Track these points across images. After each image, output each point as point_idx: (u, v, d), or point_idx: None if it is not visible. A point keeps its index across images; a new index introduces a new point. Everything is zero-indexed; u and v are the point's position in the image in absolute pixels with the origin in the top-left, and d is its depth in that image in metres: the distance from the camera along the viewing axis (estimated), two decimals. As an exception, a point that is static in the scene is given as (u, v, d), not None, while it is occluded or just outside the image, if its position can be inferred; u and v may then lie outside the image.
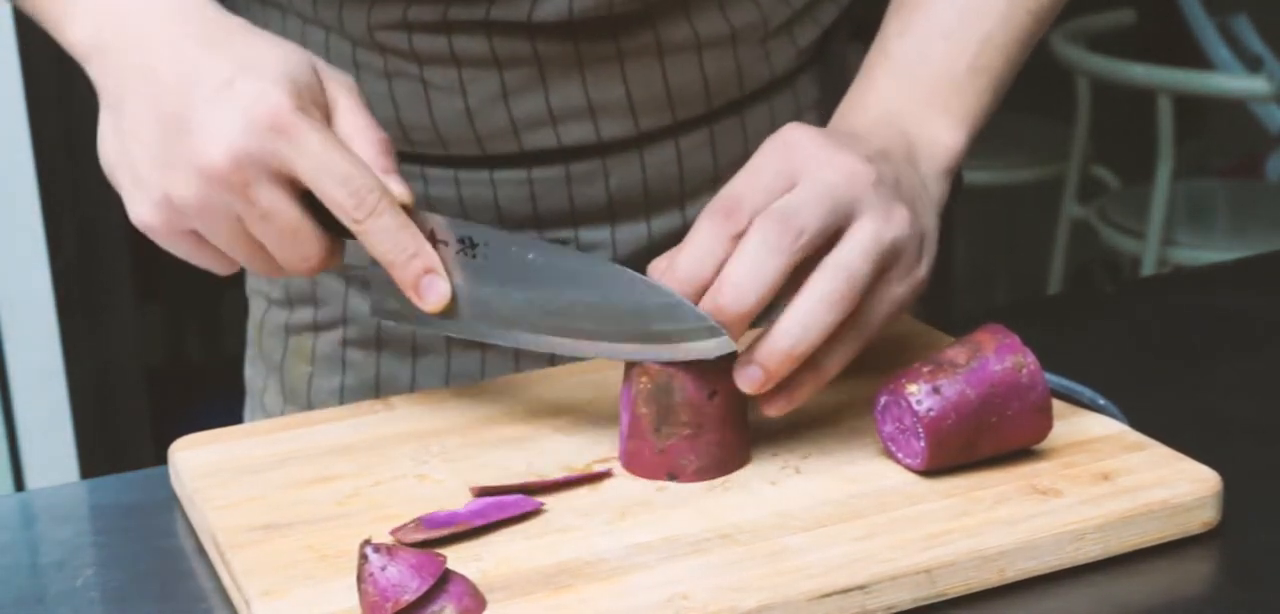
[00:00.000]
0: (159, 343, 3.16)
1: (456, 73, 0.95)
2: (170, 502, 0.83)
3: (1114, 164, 3.24)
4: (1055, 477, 0.78)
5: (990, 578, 0.72)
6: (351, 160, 0.77)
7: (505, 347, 0.81)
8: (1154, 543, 0.75)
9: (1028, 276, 3.45)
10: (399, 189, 0.79)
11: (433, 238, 0.80)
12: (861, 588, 0.70)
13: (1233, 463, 0.79)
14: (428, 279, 0.79)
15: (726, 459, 0.79)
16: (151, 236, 0.79)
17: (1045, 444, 0.80)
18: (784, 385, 0.78)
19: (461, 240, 0.80)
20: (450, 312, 0.80)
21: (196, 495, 0.79)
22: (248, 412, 1.11)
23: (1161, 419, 0.84)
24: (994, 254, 3.55)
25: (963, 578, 0.72)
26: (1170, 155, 2.85)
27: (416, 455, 0.82)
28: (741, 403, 0.79)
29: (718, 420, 0.79)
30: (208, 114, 0.75)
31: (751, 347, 0.77)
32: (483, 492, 0.77)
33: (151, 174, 0.77)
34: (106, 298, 2.16)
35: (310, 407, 1.04)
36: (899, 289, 0.80)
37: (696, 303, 0.77)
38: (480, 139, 0.97)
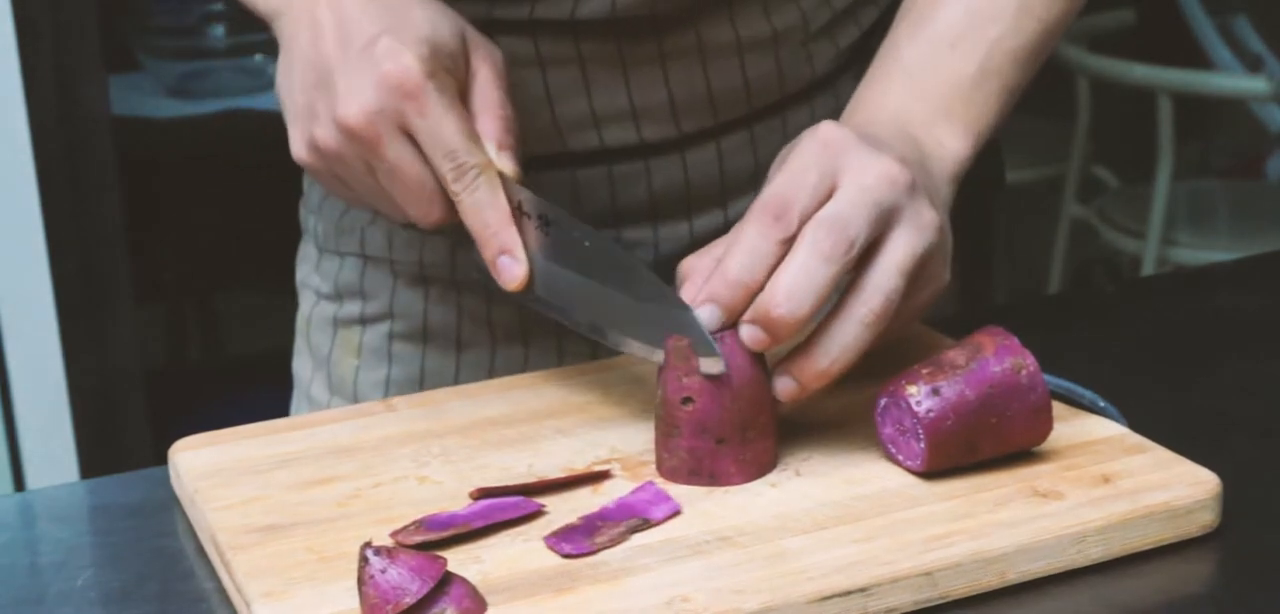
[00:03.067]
0: (159, 344, 3.16)
1: None
2: (170, 502, 0.83)
3: (1114, 164, 3.24)
4: (1056, 479, 0.78)
5: (991, 580, 0.72)
6: (461, 133, 0.82)
7: (558, 321, 0.85)
8: (1154, 545, 0.75)
9: (1028, 277, 3.45)
10: (509, 164, 0.84)
11: (519, 209, 0.84)
12: (862, 590, 0.70)
13: (1233, 463, 0.79)
14: (504, 259, 0.84)
15: (698, 470, 0.79)
16: (304, 169, 0.87)
17: (1046, 446, 0.80)
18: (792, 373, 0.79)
19: (540, 216, 0.84)
20: (524, 287, 0.85)
21: (197, 496, 0.79)
22: (294, 404, 1.13)
23: (1161, 420, 0.84)
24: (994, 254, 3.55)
25: (963, 580, 0.72)
26: (1170, 155, 2.85)
27: (417, 457, 0.82)
28: (725, 422, 0.78)
29: (689, 429, 0.79)
30: (349, 72, 0.82)
31: (787, 359, 0.78)
32: (483, 493, 0.77)
33: (303, 117, 0.84)
34: (106, 299, 2.16)
35: (356, 399, 1.06)
36: (923, 295, 0.81)
37: (745, 305, 0.77)
38: (525, 140, 0.97)
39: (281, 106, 0.87)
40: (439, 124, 0.82)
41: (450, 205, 0.84)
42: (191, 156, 2.85)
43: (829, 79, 1.04)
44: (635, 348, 0.81)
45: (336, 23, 0.83)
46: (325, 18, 0.83)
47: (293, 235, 1.14)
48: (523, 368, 1.02)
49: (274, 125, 0.90)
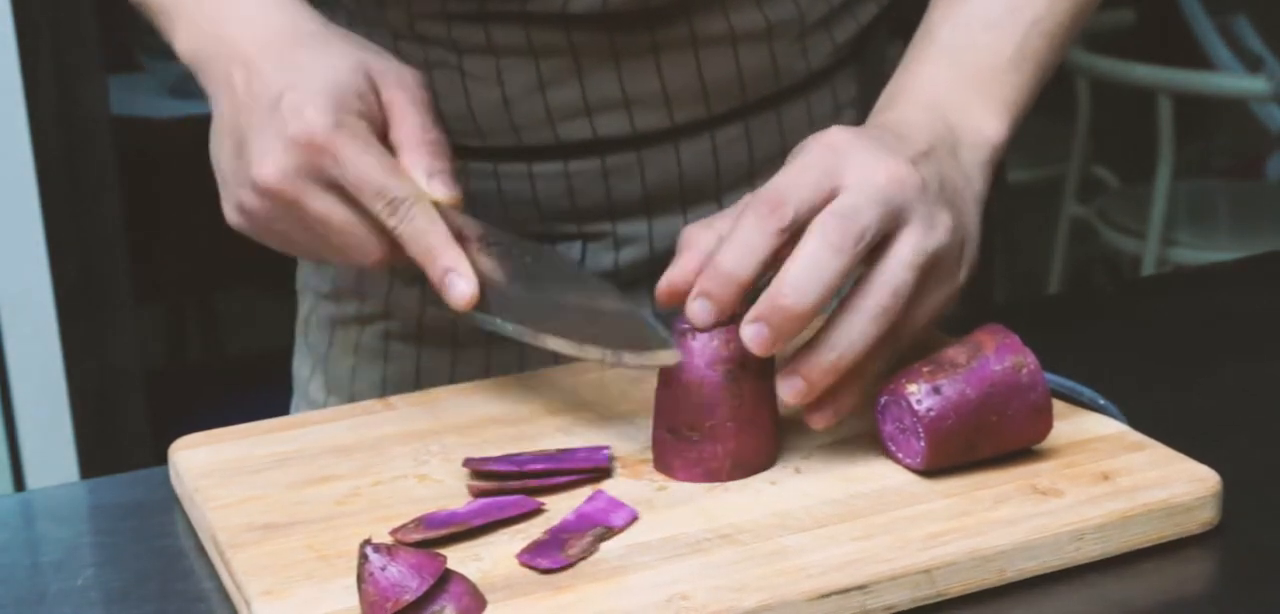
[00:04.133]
0: (159, 344, 3.16)
1: (494, 63, 0.96)
2: (170, 502, 0.83)
3: (1114, 164, 3.24)
4: (1055, 477, 0.78)
5: (990, 578, 0.72)
6: (386, 170, 0.82)
7: (517, 341, 0.85)
8: (1154, 543, 0.75)
9: (1028, 277, 3.45)
10: (442, 191, 0.83)
11: (459, 235, 0.83)
12: (861, 588, 0.70)
13: (1233, 463, 0.79)
14: (451, 277, 0.83)
15: (658, 460, 0.80)
16: (242, 232, 0.86)
17: (1045, 444, 0.80)
18: (827, 398, 0.78)
19: (480, 238, 0.84)
20: (475, 303, 0.84)
21: (196, 495, 0.79)
22: (293, 404, 1.13)
23: (1161, 419, 0.84)
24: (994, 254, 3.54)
25: (962, 578, 0.72)
26: (1170, 155, 2.85)
27: (416, 455, 0.82)
28: (672, 414, 0.79)
29: (655, 417, 0.80)
30: (258, 135, 0.82)
31: (795, 357, 0.78)
32: (479, 476, 0.78)
33: (230, 182, 0.85)
34: (106, 299, 2.17)
35: (352, 398, 1.06)
36: (937, 297, 0.81)
37: (736, 300, 0.77)
38: (517, 129, 0.98)
39: (215, 169, 0.87)
40: (359, 167, 0.81)
41: (387, 244, 0.83)
42: (191, 157, 2.84)
43: (826, 74, 1.03)
44: (591, 353, 0.81)
45: (246, 81, 0.84)
46: (237, 77, 0.84)
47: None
48: (518, 368, 1.02)
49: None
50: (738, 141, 1.01)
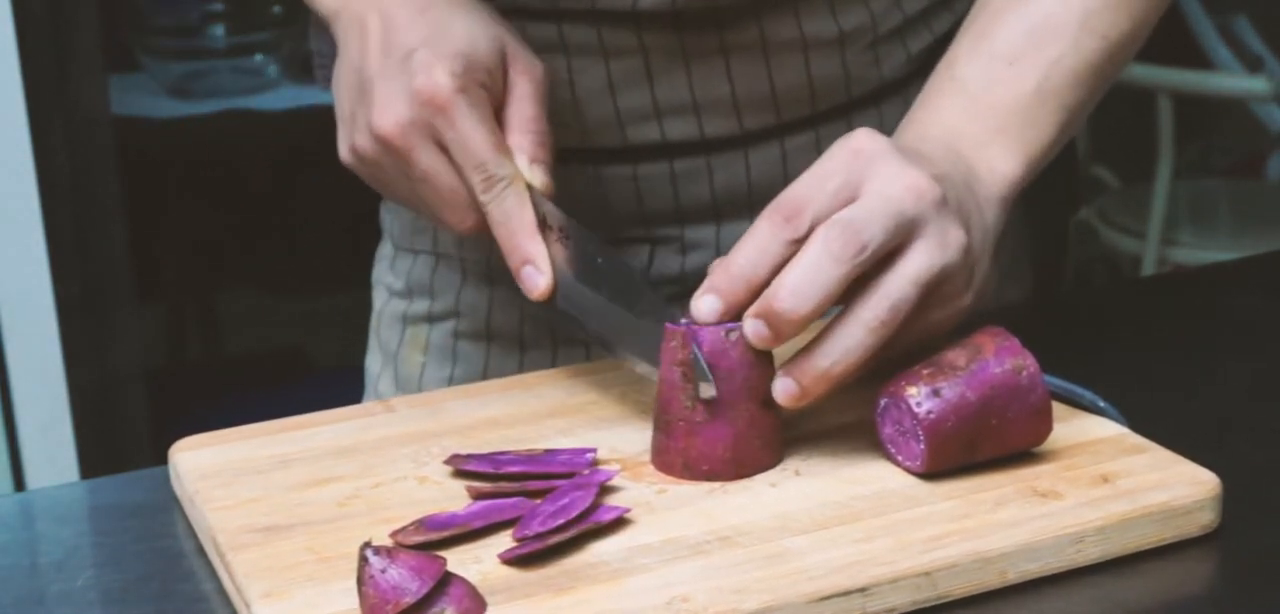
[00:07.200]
0: (159, 344, 3.16)
1: (565, 62, 0.97)
2: (170, 502, 0.83)
3: (1114, 164, 3.23)
4: (1055, 479, 0.78)
5: (990, 580, 0.72)
6: (490, 145, 0.84)
7: (576, 330, 0.87)
8: (1154, 545, 0.75)
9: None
10: (540, 178, 0.86)
11: (544, 223, 0.86)
12: (862, 590, 0.70)
13: (1233, 463, 0.79)
14: (527, 270, 0.85)
15: (664, 461, 0.80)
16: (351, 170, 0.90)
17: (1045, 446, 0.80)
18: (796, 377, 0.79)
19: (560, 229, 0.86)
20: (548, 297, 0.86)
21: (197, 496, 0.79)
22: (364, 400, 1.13)
23: (1161, 420, 0.84)
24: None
25: (963, 580, 0.72)
26: (1170, 155, 2.85)
27: (416, 457, 0.82)
28: (656, 411, 0.80)
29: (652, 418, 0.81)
30: (386, 82, 0.85)
31: (791, 361, 0.78)
32: (461, 475, 0.78)
33: (348, 123, 0.88)
34: (107, 299, 2.17)
35: None
36: (939, 314, 0.80)
37: (746, 300, 0.78)
38: (586, 130, 0.99)
39: (336, 107, 0.89)
40: (468, 136, 0.83)
41: (481, 216, 0.85)
42: (191, 156, 2.85)
43: (898, 84, 1.02)
44: (637, 364, 0.83)
45: (382, 32, 0.86)
46: (372, 25, 0.87)
47: (290, 236, 1.14)
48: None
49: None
50: (808, 150, 1.00)
